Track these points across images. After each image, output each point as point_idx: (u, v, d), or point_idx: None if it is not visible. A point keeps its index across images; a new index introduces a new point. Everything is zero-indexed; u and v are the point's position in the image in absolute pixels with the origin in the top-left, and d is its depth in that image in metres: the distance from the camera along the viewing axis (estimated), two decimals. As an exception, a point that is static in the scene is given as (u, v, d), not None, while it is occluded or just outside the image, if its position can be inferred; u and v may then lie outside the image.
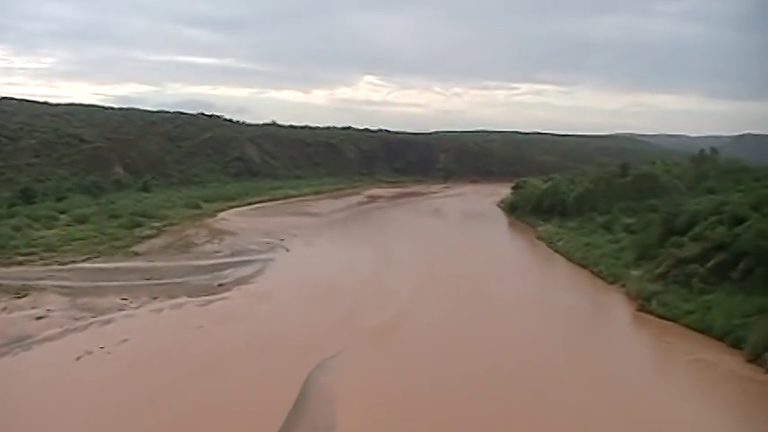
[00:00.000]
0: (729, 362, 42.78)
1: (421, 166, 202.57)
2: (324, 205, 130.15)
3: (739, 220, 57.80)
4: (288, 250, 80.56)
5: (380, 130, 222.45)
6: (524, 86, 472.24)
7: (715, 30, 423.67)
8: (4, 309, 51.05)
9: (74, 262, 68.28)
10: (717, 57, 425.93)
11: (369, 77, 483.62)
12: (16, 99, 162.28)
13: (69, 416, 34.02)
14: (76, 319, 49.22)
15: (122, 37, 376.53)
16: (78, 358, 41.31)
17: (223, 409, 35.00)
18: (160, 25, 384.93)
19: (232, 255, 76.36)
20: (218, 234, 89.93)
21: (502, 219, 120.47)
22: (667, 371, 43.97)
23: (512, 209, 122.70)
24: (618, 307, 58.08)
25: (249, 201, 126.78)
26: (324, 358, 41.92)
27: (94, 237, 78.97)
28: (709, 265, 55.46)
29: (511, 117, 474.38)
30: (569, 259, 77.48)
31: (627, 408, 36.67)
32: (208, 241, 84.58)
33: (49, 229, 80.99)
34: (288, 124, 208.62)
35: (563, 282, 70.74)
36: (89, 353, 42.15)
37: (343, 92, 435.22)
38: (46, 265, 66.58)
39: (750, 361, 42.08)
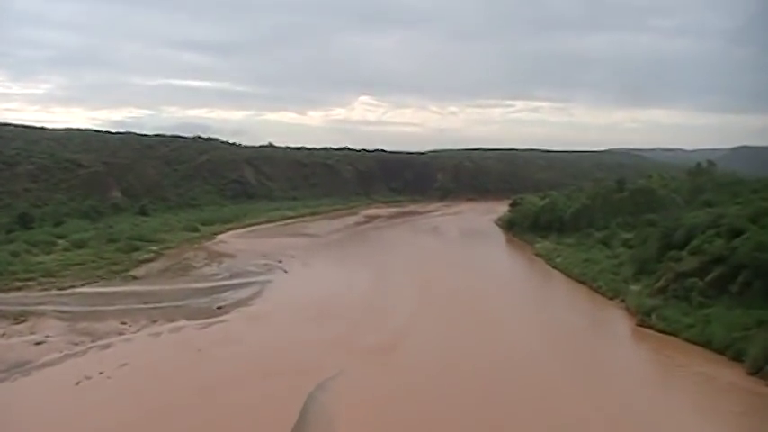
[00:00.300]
0: (731, 375, 42.71)
1: (418, 185, 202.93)
2: (321, 226, 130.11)
3: (737, 233, 57.87)
4: (286, 272, 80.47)
5: (377, 150, 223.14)
6: (519, 104, 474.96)
7: (707, 44, 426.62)
8: (3, 334, 50.85)
9: (72, 287, 68.14)
10: (709, 71, 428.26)
11: (364, 98, 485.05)
12: (13, 125, 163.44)
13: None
14: (75, 344, 49.03)
15: (118, 62, 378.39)
16: (78, 383, 41.10)
17: (224, 430, 34.88)
18: (155, 50, 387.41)
19: (230, 277, 76.25)
20: (216, 256, 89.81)
21: (500, 236, 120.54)
22: (669, 385, 43.81)
23: (509, 226, 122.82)
24: (618, 322, 57.99)
25: (247, 223, 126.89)
26: (323, 379, 41.78)
27: (93, 261, 78.82)
28: (708, 278, 55.48)
29: (507, 134, 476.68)
30: (568, 275, 77.48)
31: (630, 422, 36.60)
32: (206, 264, 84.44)
33: (48, 254, 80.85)
34: (284, 146, 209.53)
35: (562, 298, 70.71)
36: (88, 378, 41.96)
37: (338, 113, 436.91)
38: (44, 290, 66.38)
39: (751, 374, 42.02)
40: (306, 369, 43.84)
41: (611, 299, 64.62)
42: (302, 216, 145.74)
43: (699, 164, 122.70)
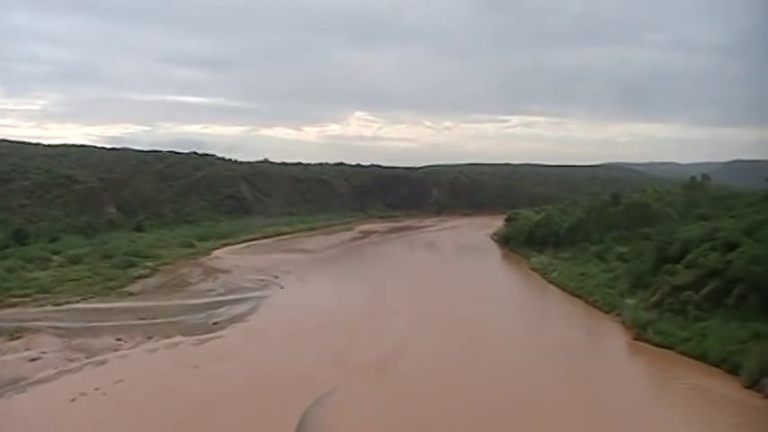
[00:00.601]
0: (727, 388, 42.78)
1: (414, 200, 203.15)
2: (317, 242, 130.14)
3: (732, 246, 58.06)
4: (282, 287, 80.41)
5: (372, 166, 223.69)
6: (514, 119, 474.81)
7: (700, 58, 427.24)
8: (-2, 351, 50.75)
9: (68, 303, 68.07)
10: (703, 85, 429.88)
11: (359, 113, 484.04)
12: (8, 141, 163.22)
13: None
14: (71, 361, 48.94)
15: (114, 78, 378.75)
16: (73, 400, 40.99)
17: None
18: (151, 66, 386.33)
19: (226, 293, 76.14)
20: (212, 272, 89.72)
21: (495, 251, 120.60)
22: (666, 398, 43.74)
23: (505, 241, 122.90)
24: (614, 336, 58.01)
25: (242, 238, 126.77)
26: (320, 395, 41.70)
27: (88, 277, 78.76)
28: (703, 291, 55.63)
29: (502, 149, 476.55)
30: (564, 289, 77.54)
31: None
32: (202, 280, 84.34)
33: (43, 270, 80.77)
34: (280, 161, 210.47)
35: (559, 313, 70.71)
36: (84, 394, 41.84)
37: (334, 128, 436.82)
38: (40, 306, 66.32)
39: (748, 387, 42.08)
40: (302, 385, 43.77)
41: (606, 313, 64.66)
42: (298, 231, 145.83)
43: (693, 177, 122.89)
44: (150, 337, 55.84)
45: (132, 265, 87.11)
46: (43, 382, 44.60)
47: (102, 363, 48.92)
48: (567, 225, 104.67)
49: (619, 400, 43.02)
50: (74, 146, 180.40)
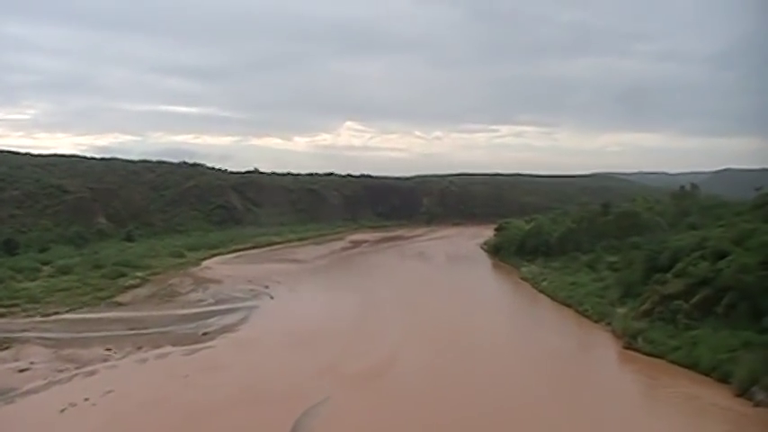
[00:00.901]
0: (717, 396, 42.86)
1: (404, 210, 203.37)
2: (307, 251, 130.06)
3: (722, 255, 58.24)
4: (272, 297, 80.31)
5: (363, 176, 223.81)
6: (504, 128, 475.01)
7: (690, 68, 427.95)
8: (-14, 362, 50.47)
9: (57, 313, 67.83)
10: (693, 95, 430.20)
11: (350, 123, 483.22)
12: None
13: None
14: (60, 371, 48.75)
15: (104, 87, 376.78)
16: (62, 410, 40.79)
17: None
18: (141, 75, 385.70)
19: (217, 303, 75.99)
20: (202, 282, 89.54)
21: (486, 261, 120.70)
22: (656, 407, 43.79)
23: (495, 250, 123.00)
24: (605, 345, 58.05)
25: (233, 248, 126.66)
26: (310, 405, 41.61)
27: (78, 287, 78.44)
28: (693, 300, 55.74)
29: (492, 159, 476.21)
30: (554, 299, 77.62)
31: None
32: (192, 290, 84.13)
33: (32, 280, 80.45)
34: (270, 171, 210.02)
35: (549, 322, 70.65)
36: (73, 405, 41.65)
37: (324, 138, 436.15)
38: (29, 316, 66.09)
39: (738, 395, 42.17)
40: (292, 395, 43.67)
41: (597, 322, 64.76)
42: (289, 241, 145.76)
43: (683, 187, 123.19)
44: (140, 348, 55.63)
45: (122, 275, 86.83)
46: (32, 392, 44.38)
47: (92, 373, 48.73)
48: (557, 235, 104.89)
49: (609, 408, 43.02)
50: (64, 156, 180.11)
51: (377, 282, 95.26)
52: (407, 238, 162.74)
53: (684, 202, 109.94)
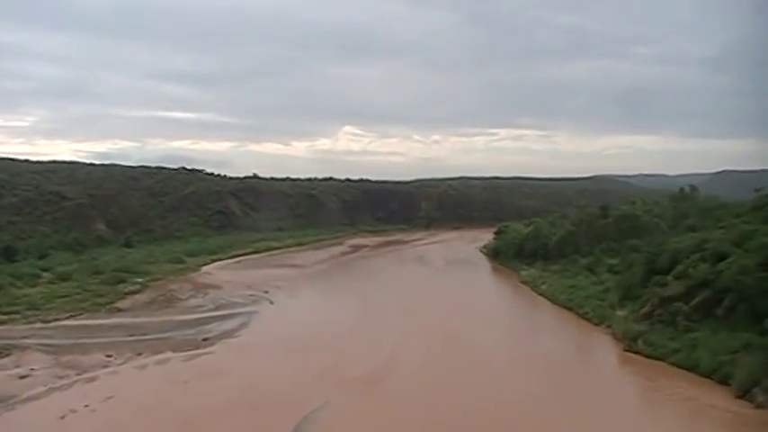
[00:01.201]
0: (718, 398, 42.86)
1: (403, 214, 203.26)
2: (307, 256, 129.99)
3: (721, 257, 58.29)
4: (272, 302, 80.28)
5: (361, 180, 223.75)
6: (503, 132, 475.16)
7: (688, 71, 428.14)
8: (-14, 369, 50.41)
9: (57, 319, 67.75)
10: (691, 97, 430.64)
11: (348, 128, 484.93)
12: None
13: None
14: (60, 378, 48.72)
15: (102, 94, 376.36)
16: (63, 417, 40.76)
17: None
18: (140, 82, 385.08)
19: (216, 308, 75.96)
20: (201, 288, 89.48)
21: (485, 264, 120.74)
22: (656, 409, 43.76)
23: (494, 254, 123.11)
24: (605, 348, 58.09)
25: (232, 254, 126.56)
26: (310, 410, 41.56)
27: (77, 294, 78.48)
28: (693, 302, 55.76)
29: (490, 163, 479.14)
30: (554, 302, 77.63)
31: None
32: (192, 296, 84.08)
33: (32, 287, 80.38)
34: (269, 177, 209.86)
35: (549, 325, 70.79)
36: (74, 411, 41.62)
37: (323, 143, 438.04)
38: (29, 323, 66.00)
39: (739, 397, 42.17)
40: (292, 400, 43.64)
41: (597, 325, 64.78)
42: (288, 247, 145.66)
43: (682, 189, 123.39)
44: (140, 354, 55.58)
45: (121, 282, 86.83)
46: (33, 399, 44.35)
47: (92, 379, 48.71)
48: (556, 238, 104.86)
49: (611, 411, 43.04)
50: (62, 162, 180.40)
51: (376, 286, 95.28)
52: (406, 242, 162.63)
53: (683, 204, 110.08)
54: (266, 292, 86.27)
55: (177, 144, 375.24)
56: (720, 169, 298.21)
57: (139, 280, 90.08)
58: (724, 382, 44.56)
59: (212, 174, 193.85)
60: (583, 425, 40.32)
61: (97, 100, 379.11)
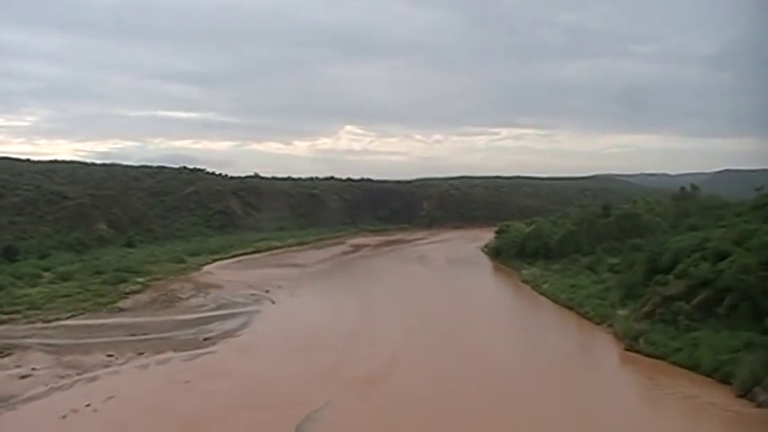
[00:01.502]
0: (719, 397, 42.80)
1: (404, 213, 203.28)
2: (308, 256, 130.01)
3: (722, 256, 58.24)
4: (273, 302, 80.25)
5: (363, 180, 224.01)
6: (504, 131, 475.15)
7: (688, 70, 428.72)
8: (-12, 369, 50.41)
9: (58, 319, 67.73)
10: (692, 96, 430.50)
11: (349, 127, 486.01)
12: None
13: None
14: (62, 377, 48.70)
15: (103, 94, 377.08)
16: (64, 417, 40.75)
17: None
18: (141, 81, 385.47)
19: (217, 308, 75.94)
20: (203, 288, 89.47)
21: (486, 263, 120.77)
22: (657, 408, 43.69)
23: (496, 253, 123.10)
24: (606, 347, 58.05)
25: (233, 253, 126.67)
26: (312, 410, 41.54)
27: (79, 293, 78.48)
28: (694, 301, 55.70)
29: (492, 162, 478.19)
30: (555, 301, 77.63)
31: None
32: (193, 295, 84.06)
33: (33, 286, 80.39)
34: (270, 176, 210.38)
35: (550, 324, 70.78)
36: (75, 411, 41.61)
37: (324, 142, 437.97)
38: (30, 323, 65.96)
39: (740, 396, 42.13)
40: (294, 400, 43.61)
41: (598, 324, 64.73)
42: (289, 246, 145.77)
43: (683, 188, 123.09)
44: (141, 353, 55.57)
45: (123, 281, 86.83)
46: (34, 399, 44.34)
47: (94, 379, 48.69)
48: (557, 237, 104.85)
49: (612, 411, 43.08)
50: (63, 162, 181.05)
51: (378, 286, 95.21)
52: (408, 241, 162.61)
53: (685, 203, 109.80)
54: (267, 291, 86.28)
55: (178, 144, 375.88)
56: (721, 168, 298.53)
57: (141, 280, 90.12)
58: (725, 381, 44.49)
59: (213, 173, 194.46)
60: (584, 424, 40.33)
61: (98, 100, 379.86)
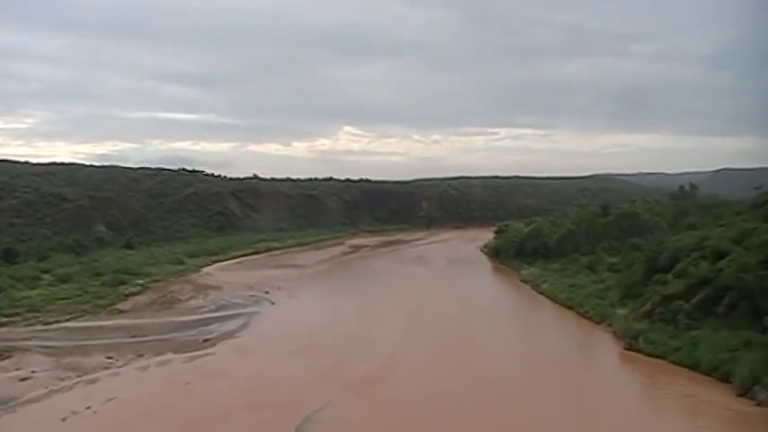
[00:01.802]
0: (719, 396, 42.88)
1: (403, 214, 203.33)
2: (307, 257, 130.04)
3: (721, 255, 58.25)
4: (272, 303, 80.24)
5: (362, 180, 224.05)
6: (503, 131, 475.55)
7: (687, 69, 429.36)
8: (-12, 371, 50.39)
9: (58, 321, 67.72)
10: (690, 95, 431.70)
11: (348, 128, 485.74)
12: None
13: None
14: (61, 380, 48.68)
15: (102, 95, 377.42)
16: (64, 419, 40.72)
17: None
18: (140, 83, 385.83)
19: (217, 309, 75.91)
20: (202, 289, 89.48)
21: (486, 263, 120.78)
22: (657, 407, 43.69)
23: (495, 253, 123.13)
24: (606, 346, 58.06)
25: (233, 255, 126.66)
26: (311, 411, 41.56)
27: (78, 295, 78.43)
28: (693, 300, 55.73)
29: (491, 162, 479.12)
30: (555, 301, 77.67)
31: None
32: (192, 297, 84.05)
33: (32, 289, 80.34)
34: (269, 177, 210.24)
35: (550, 324, 70.81)
36: (75, 413, 41.59)
37: (323, 143, 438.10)
38: (29, 325, 65.98)
39: (740, 395, 42.17)
40: (293, 401, 43.64)
41: (598, 323, 64.76)
42: (288, 247, 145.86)
43: (682, 187, 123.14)
44: (141, 355, 55.58)
45: (122, 283, 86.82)
46: (34, 401, 44.32)
47: (93, 381, 48.67)
48: (556, 237, 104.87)
49: (612, 410, 43.09)
50: (62, 164, 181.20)
51: (377, 286, 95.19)
52: (407, 242, 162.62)
53: (684, 202, 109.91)
54: (267, 292, 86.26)
55: (177, 145, 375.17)
56: (720, 167, 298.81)
57: (140, 281, 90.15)
58: (725, 380, 44.56)
59: (212, 175, 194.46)
60: (583, 423, 40.32)
61: (97, 101, 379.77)
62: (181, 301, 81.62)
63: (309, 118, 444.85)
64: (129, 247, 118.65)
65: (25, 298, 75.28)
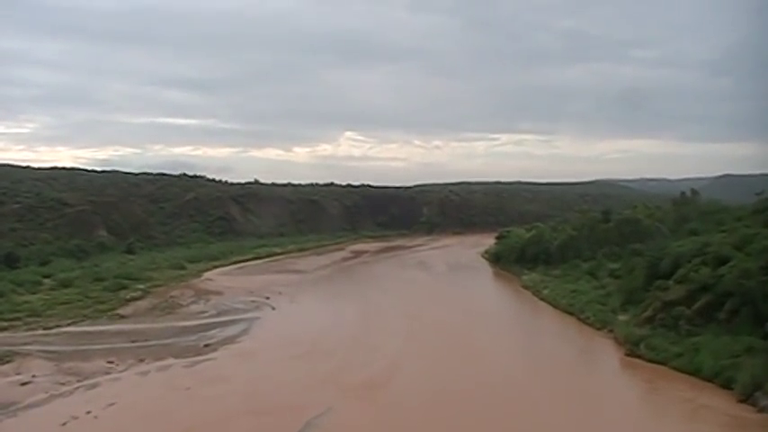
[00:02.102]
0: (720, 402, 42.76)
1: (404, 219, 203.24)
2: (308, 262, 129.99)
3: (723, 261, 58.19)
4: (273, 308, 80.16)
5: (363, 186, 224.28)
6: (504, 137, 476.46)
7: (688, 74, 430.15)
8: (-12, 376, 50.34)
9: (58, 326, 67.60)
10: (691, 101, 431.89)
11: (349, 133, 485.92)
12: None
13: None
14: (62, 384, 48.59)
15: (103, 100, 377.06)
16: (64, 424, 40.64)
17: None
18: (141, 88, 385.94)
19: (218, 315, 75.87)
20: (203, 294, 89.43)
21: (487, 269, 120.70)
22: (659, 414, 43.65)
23: (496, 259, 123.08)
24: (607, 353, 58.00)
25: (234, 260, 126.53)
26: (312, 416, 41.51)
27: (79, 300, 78.44)
28: (695, 306, 55.65)
29: (492, 168, 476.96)
30: (556, 307, 77.57)
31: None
32: (193, 302, 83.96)
33: (33, 293, 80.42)
34: (270, 182, 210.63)
35: (551, 330, 70.70)
36: (75, 418, 41.53)
37: (324, 148, 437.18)
38: (30, 330, 65.83)
39: (741, 401, 42.10)
40: (294, 406, 43.58)
41: (599, 329, 64.69)
42: (289, 252, 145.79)
43: (683, 193, 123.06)
44: (142, 360, 55.51)
45: (123, 288, 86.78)
46: (34, 406, 44.24)
47: (94, 386, 48.58)
48: (557, 242, 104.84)
49: (612, 416, 43.02)
50: (64, 169, 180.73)
51: (378, 292, 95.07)
52: (408, 247, 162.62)
53: (685, 207, 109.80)
54: (268, 297, 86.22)
55: (178, 150, 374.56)
56: (721, 173, 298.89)
57: (141, 286, 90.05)
58: (726, 386, 44.42)
59: (213, 180, 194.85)
60: (584, 429, 40.32)
61: (98, 106, 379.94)
62: (182, 306, 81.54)
63: (310, 123, 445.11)
64: (130, 251, 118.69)
65: (26, 303, 75.35)
